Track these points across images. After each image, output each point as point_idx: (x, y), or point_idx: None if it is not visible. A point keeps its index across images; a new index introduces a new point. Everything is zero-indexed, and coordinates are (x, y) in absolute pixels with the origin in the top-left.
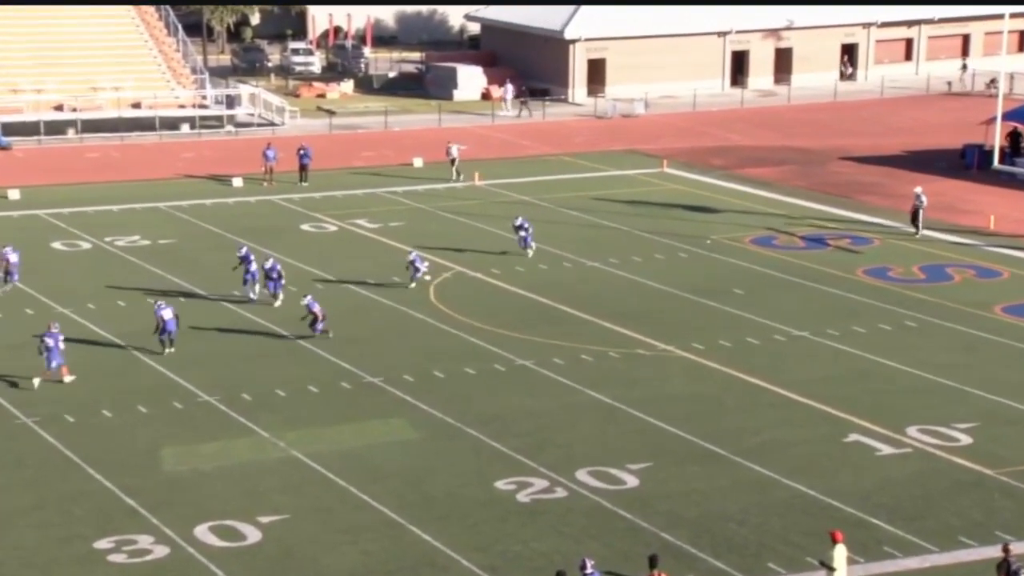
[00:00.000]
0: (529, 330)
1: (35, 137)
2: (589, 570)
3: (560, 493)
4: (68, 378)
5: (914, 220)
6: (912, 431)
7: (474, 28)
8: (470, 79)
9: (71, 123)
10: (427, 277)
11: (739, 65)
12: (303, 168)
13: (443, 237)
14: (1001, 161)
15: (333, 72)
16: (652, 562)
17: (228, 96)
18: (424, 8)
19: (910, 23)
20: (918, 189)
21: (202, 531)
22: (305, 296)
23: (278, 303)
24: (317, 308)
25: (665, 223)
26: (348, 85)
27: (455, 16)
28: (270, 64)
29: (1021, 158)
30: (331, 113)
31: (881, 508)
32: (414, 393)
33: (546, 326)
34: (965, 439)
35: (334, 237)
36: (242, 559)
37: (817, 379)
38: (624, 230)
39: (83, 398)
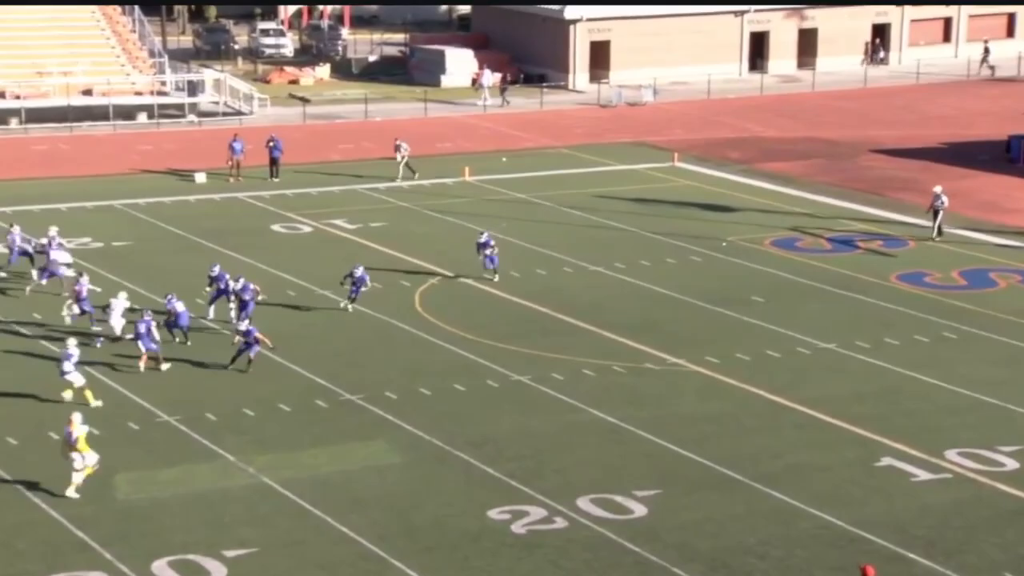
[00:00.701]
0: (525, 342)
1: None
2: None
3: (559, 523)
4: (164, 366)
5: (934, 222)
6: (951, 455)
7: (464, 8)
8: (459, 64)
9: (14, 112)
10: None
11: (758, 48)
12: (274, 162)
13: (430, 239)
14: None
15: (307, 56)
16: None
17: (190, 82)
18: None
19: (948, 0)
20: (938, 188)
21: (160, 567)
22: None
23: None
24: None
25: (676, 223)
26: (324, 70)
27: None
28: (237, 47)
29: None
30: (305, 101)
31: (917, 540)
32: (397, 412)
33: (544, 338)
34: (1011, 464)
35: (309, 239)
36: None
37: (845, 396)
38: (631, 231)
39: (27, 418)
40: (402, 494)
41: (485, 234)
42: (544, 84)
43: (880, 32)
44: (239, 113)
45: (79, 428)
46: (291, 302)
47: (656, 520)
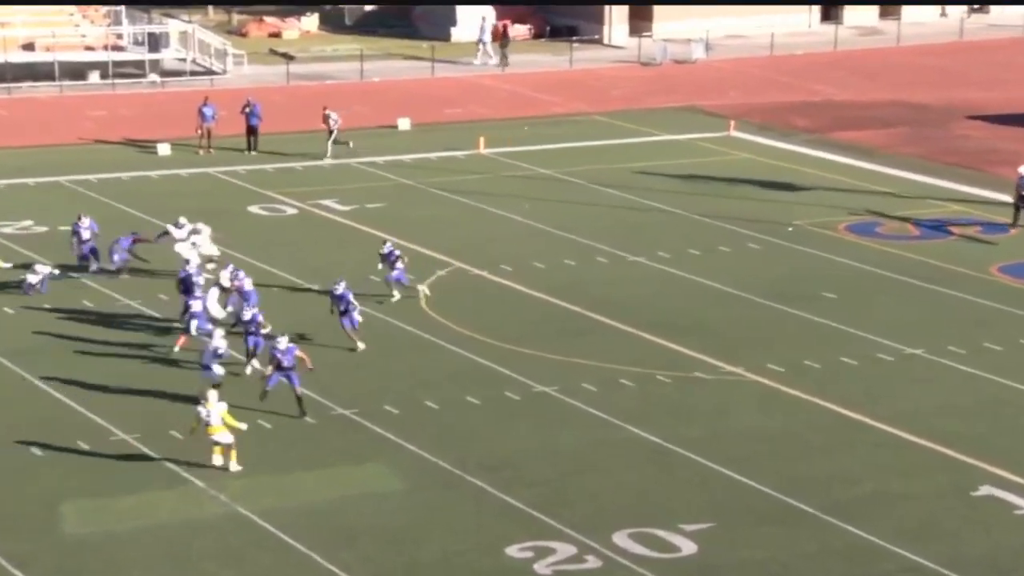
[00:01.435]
0: (550, 346)
1: None
2: None
3: (592, 563)
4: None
5: (1017, 209)
6: None
7: None
8: (472, 15)
9: None
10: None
11: None
12: (251, 131)
13: (437, 223)
14: None
15: (291, 3)
16: None
17: (151, 35)
18: None
19: None
20: (1023, 168)
21: None
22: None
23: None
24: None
25: (732, 204)
26: (311, 21)
27: None
28: None
29: None
30: (289, 58)
31: None
32: (399, 430)
33: (573, 340)
34: None
35: (293, 222)
36: None
37: (936, 412)
38: (678, 214)
39: None
40: (403, 526)
41: (388, 244)
42: (574, 38)
43: None
44: (210, 72)
45: (217, 405)
46: (271, 298)
47: (708, 559)
